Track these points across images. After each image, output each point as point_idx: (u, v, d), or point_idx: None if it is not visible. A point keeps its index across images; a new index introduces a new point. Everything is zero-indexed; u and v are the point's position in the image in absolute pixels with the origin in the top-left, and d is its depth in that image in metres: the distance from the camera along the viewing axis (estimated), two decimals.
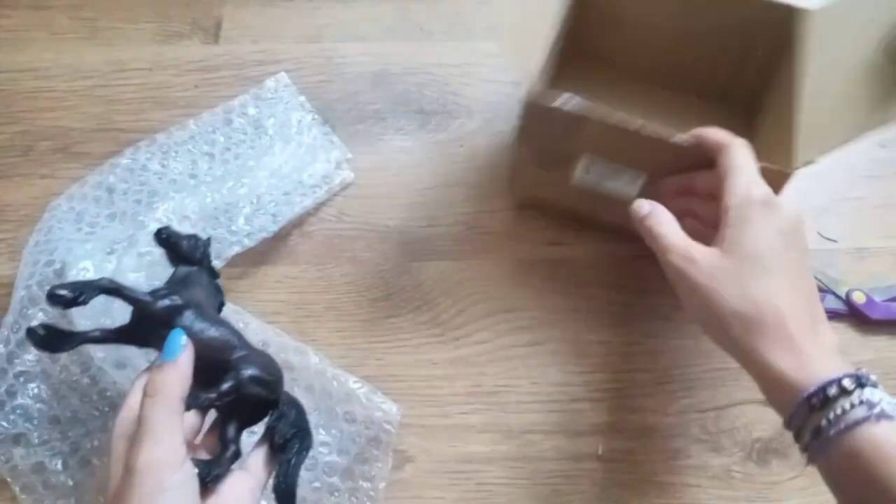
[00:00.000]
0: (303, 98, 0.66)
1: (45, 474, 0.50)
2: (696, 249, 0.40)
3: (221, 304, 0.46)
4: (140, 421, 0.34)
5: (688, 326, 0.58)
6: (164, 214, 0.55)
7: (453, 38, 0.72)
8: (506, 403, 0.55)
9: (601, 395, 0.55)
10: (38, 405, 0.51)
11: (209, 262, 0.45)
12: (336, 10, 0.73)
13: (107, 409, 0.51)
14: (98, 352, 0.49)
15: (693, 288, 0.40)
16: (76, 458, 0.50)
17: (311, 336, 0.56)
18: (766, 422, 0.54)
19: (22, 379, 0.51)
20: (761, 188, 0.41)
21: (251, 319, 0.55)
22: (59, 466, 0.50)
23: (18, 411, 0.50)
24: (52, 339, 0.38)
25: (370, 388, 0.53)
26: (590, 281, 0.59)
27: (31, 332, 0.38)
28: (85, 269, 0.51)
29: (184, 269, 0.43)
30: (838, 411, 0.34)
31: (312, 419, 0.50)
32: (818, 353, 0.37)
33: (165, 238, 0.44)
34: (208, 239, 0.46)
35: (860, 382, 0.34)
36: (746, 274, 0.38)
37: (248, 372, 0.39)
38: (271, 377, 0.41)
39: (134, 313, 0.39)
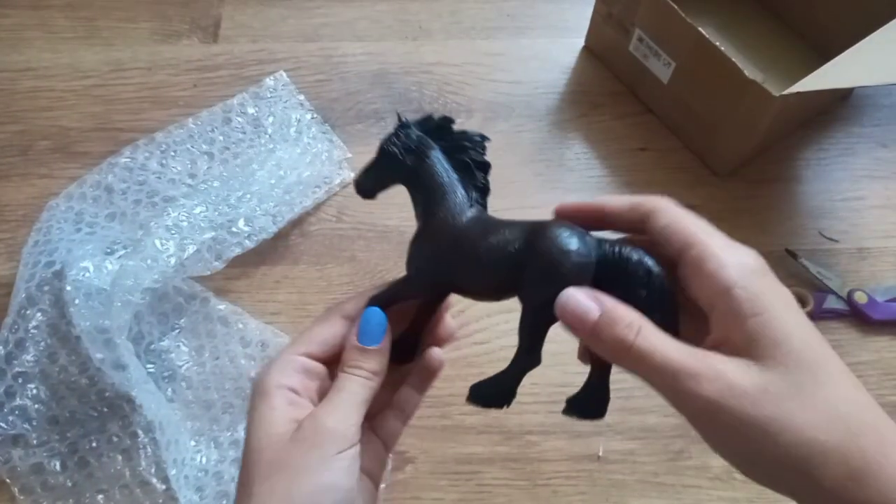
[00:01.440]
0: (302, 97, 0.66)
1: (44, 475, 0.50)
2: (721, 363, 0.26)
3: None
4: (335, 389, 0.33)
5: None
6: (175, 222, 0.54)
7: (452, 37, 0.72)
8: None
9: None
10: (36, 406, 0.50)
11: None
12: (335, 10, 0.73)
13: (105, 409, 0.51)
14: (97, 352, 0.49)
15: (744, 429, 0.25)
16: (75, 458, 0.50)
17: None
18: None
19: (21, 380, 0.51)
20: (749, 254, 0.28)
21: (249, 320, 0.55)
22: (58, 467, 0.50)
23: (17, 412, 0.50)
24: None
25: None
26: None
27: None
28: (85, 269, 0.51)
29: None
30: None
31: None
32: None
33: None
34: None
35: None
36: (817, 385, 0.26)
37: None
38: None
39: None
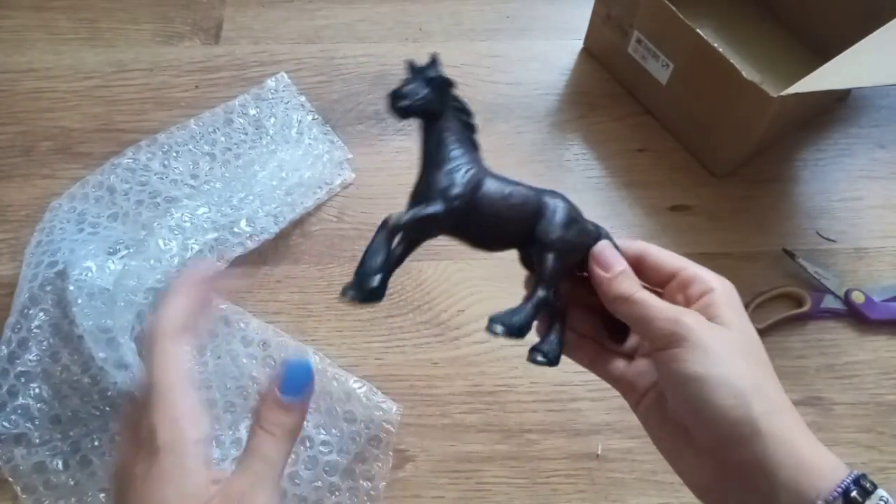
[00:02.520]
0: (303, 98, 0.67)
1: (46, 474, 0.50)
2: (698, 315, 0.33)
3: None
4: (253, 454, 0.30)
5: None
6: (178, 223, 0.55)
7: (452, 38, 0.72)
8: (505, 403, 0.55)
9: (600, 395, 0.55)
10: (39, 405, 0.51)
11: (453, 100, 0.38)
12: (336, 12, 0.73)
13: (108, 408, 0.51)
14: (99, 352, 0.49)
15: (707, 353, 0.31)
16: (77, 457, 0.51)
17: (312, 335, 0.57)
18: None
19: (23, 379, 0.51)
20: (721, 278, 0.37)
21: (251, 319, 0.55)
22: (60, 466, 0.50)
23: (19, 411, 0.50)
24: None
25: (370, 387, 0.53)
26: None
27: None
28: (88, 269, 0.51)
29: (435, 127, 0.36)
30: None
31: (312, 419, 0.50)
32: (820, 444, 0.32)
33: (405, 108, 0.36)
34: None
35: (869, 481, 0.31)
36: (755, 355, 0.33)
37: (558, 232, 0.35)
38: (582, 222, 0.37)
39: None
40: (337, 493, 0.50)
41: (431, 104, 0.35)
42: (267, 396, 0.31)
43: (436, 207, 0.33)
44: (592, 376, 0.56)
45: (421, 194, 0.35)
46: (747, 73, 0.54)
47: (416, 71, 0.35)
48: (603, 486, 0.52)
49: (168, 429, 0.29)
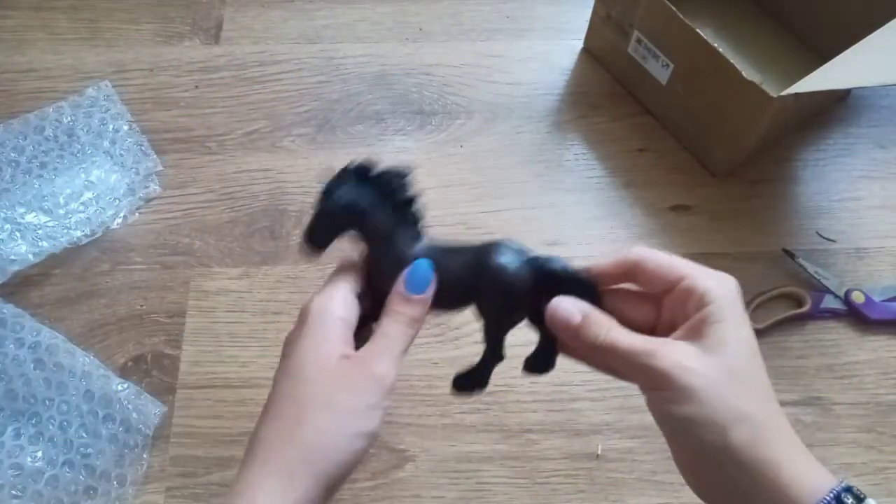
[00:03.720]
0: (124, 108, 0.66)
1: None
2: (674, 347, 0.33)
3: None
4: (383, 334, 0.35)
5: None
6: None
7: (452, 38, 0.72)
8: (505, 403, 0.55)
9: (600, 395, 0.55)
10: None
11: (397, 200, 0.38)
12: (336, 12, 0.73)
13: None
14: None
15: (686, 395, 0.32)
16: None
17: None
18: None
19: None
20: (727, 281, 0.35)
21: (27, 321, 0.54)
22: None
23: None
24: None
25: (137, 389, 0.53)
26: None
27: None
28: None
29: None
30: None
31: (76, 421, 0.52)
32: (809, 456, 0.33)
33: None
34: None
35: (857, 493, 0.31)
36: (743, 375, 0.33)
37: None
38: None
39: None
40: (92, 493, 0.50)
41: (345, 220, 0.37)
42: (394, 290, 0.36)
43: None
44: (593, 376, 0.56)
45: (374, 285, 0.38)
46: (747, 73, 0.54)
47: (320, 201, 0.37)
48: (603, 486, 0.52)
49: (319, 303, 0.35)
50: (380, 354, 0.35)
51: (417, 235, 0.38)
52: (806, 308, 0.58)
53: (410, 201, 0.38)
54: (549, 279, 0.36)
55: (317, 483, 0.32)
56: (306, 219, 0.37)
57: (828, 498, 0.30)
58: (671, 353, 0.32)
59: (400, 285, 0.36)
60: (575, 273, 0.37)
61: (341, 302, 0.36)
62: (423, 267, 0.36)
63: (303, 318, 0.36)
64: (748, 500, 0.32)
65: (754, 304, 0.58)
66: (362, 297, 0.37)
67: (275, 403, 0.34)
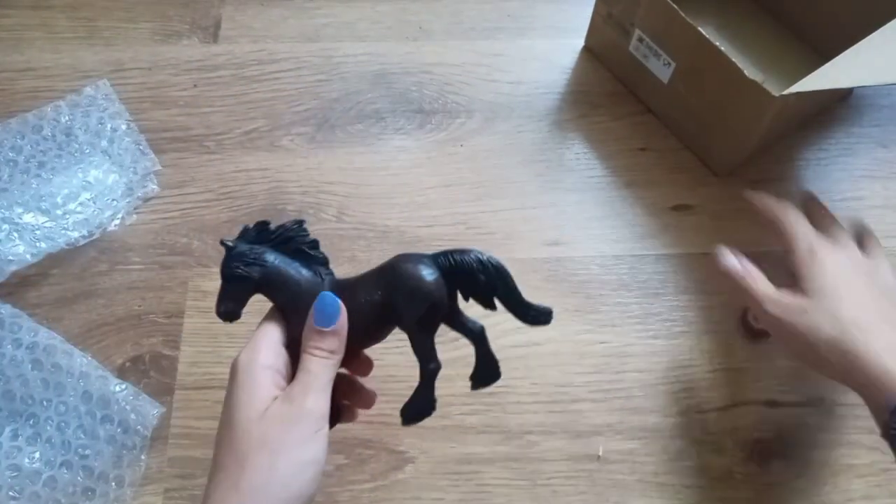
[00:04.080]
0: (122, 107, 0.65)
1: None
2: (786, 296, 0.47)
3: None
4: (304, 371, 0.37)
5: (688, 326, 0.57)
6: None
7: (453, 37, 0.72)
8: (506, 404, 0.54)
9: (602, 396, 0.55)
10: None
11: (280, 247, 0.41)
12: (335, 10, 0.73)
13: None
14: None
15: (791, 330, 0.45)
16: None
17: None
18: (767, 422, 0.54)
19: None
20: (817, 235, 0.50)
21: (25, 321, 0.54)
22: None
23: None
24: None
25: (135, 390, 0.53)
26: (589, 281, 0.59)
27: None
28: None
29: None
30: None
31: (74, 422, 0.52)
32: None
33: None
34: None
35: None
36: (827, 305, 0.45)
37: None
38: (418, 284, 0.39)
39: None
40: (90, 495, 0.50)
41: (249, 286, 0.39)
42: (307, 326, 0.38)
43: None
44: (594, 377, 0.56)
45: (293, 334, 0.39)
46: (749, 72, 0.54)
47: (223, 274, 0.39)
48: (604, 487, 0.52)
49: (246, 357, 0.37)
50: (305, 390, 0.36)
51: (323, 277, 0.40)
52: None
53: (313, 244, 0.40)
54: (458, 269, 0.39)
55: None
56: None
57: None
58: (781, 299, 0.47)
59: (310, 320, 0.38)
60: (480, 259, 0.39)
61: (267, 351, 0.37)
62: (328, 298, 0.38)
63: (232, 373, 0.37)
64: (861, 387, 0.43)
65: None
66: (289, 345, 0.39)
67: (216, 458, 0.36)
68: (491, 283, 0.39)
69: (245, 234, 0.40)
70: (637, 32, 0.63)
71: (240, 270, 0.38)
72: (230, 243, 0.39)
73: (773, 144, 0.65)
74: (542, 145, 0.66)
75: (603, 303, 0.58)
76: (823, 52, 0.66)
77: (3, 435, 0.51)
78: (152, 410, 0.52)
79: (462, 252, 0.39)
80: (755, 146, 0.62)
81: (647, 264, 0.60)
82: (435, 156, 0.65)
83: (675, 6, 0.57)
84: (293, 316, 0.39)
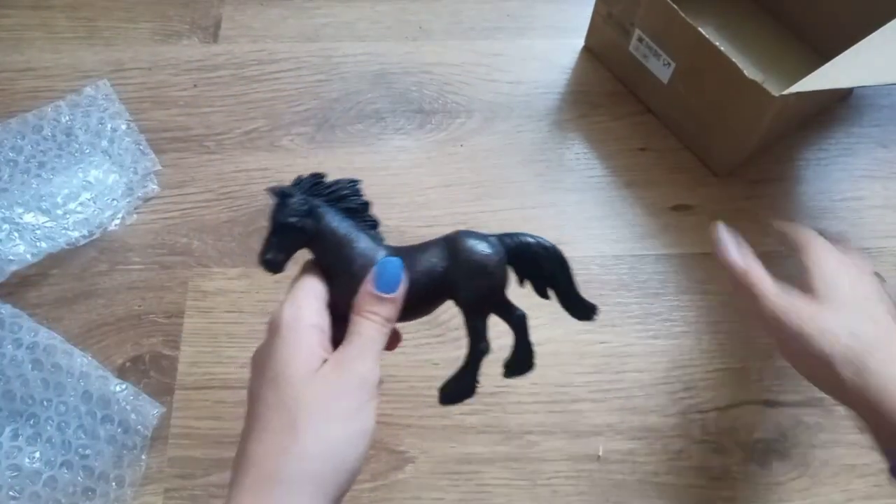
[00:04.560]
0: (122, 107, 0.65)
1: None
2: (795, 295, 0.43)
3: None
4: (357, 334, 0.35)
5: (688, 326, 0.57)
6: None
7: (452, 37, 0.72)
8: (506, 404, 0.54)
9: (601, 396, 0.55)
10: None
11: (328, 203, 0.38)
12: (335, 10, 0.73)
13: None
14: None
15: (797, 333, 0.41)
16: None
17: None
18: (768, 422, 0.54)
19: None
20: (838, 251, 0.47)
21: (25, 321, 0.54)
22: None
23: None
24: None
25: (135, 390, 0.53)
26: (589, 281, 0.59)
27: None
28: None
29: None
30: None
31: (74, 422, 0.51)
32: None
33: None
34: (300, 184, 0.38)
35: None
36: (845, 316, 0.41)
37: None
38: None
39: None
40: (90, 495, 0.50)
41: (300, 235, 0.36)
42: (364, 290, 0.36)
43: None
44: (594, 377, 0.56)
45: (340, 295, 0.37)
46: (749, 72, 0.54)
47: (273, 220, 0.36)
48: (604, 487, 0.52)
49: (290, 313, 0.34)
50: (360, 354, 0.34)
51: (377, 238, 0.38)
52: None
53: (365, 206, 0.38)
54: (522, 252, 0.38)
55: (324, 495, 0.31)
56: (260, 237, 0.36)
57: None
58: (786, 299, 0.43)
59: (369, 285, 0.36)
60: (545, 245, 0.39)
61: (312, 309, 0.35)
62: (393, 264, 0.36)
63: (274, 329, 0.34)
64: (866, 417, 0.40)
65: None
66: (331, 306, 0.36)
67: (261, 417, 0.33)
68: (553, 271, 0.39)
69: (300, 184, 0.37)
70: (637, 32, 0.63)
71: (294, 221, 0.35)
72: (287, 190, 0.36)
73: (773, 144, 0.65)
74: (542, 145, 0.66)
75: (603, 303, 0.58)
76: (823, 52, 0.66)
77: (4, 435, 0.51)
78: (152, 410, 0.52)
79: (525, 235, 0.39)
80: (755, 146, 0.62)
81: (647, 264, 0.60)
82: (435, 156, 0.65)
83: (675, 6, 0.57)
84: (342, 277, 0.36)
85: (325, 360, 0.34)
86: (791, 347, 0.42)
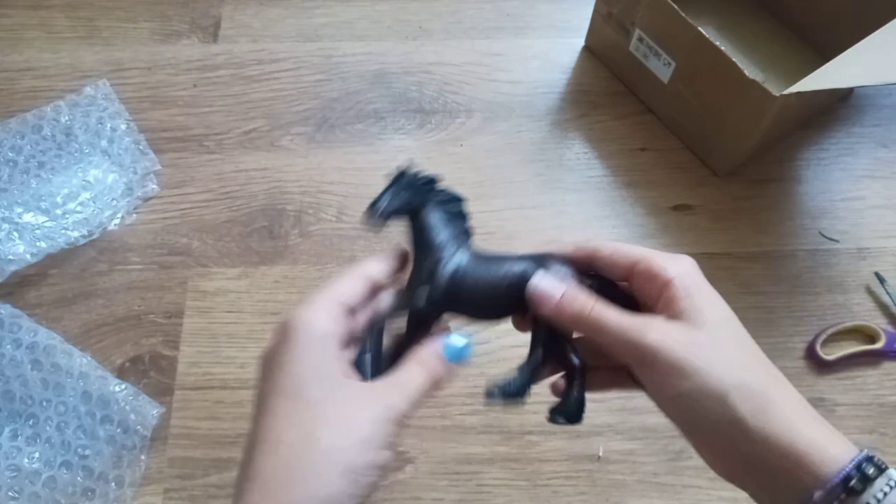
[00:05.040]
0: (121, 106, 0.65)
1: None
2: (661, 323, 0.32)
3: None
4: (409, 379, 0.33)
5: None
6: None
7: (452, 36, 0.72)
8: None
9: (601, 396, 0.54)
10: None
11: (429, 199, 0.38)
12: (335, 10, 0.73)
13: None
14: None
15: (677, 369, 0.31)
16: None
17: None
18: None
19: None
20: (684, 258, 0.36)
21: (24, 322, 0.54)
22: None
23: None
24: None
25: (134, 390, 0.53)
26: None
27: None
28: None
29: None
30: (879, 494, 0.29)
31: (74, 422, 0.51)
32: (823, 422, 0.31)
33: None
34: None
35: (878, 462, 0.30)
36: (731, 343, 0.33)
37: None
38: None
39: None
40: (90, 495, 0.50)
41: (408, 205, 0.37)
42: (434, 349, 0.34)
43: (418, 303, 0.36)
44: None
45: (411, 283, 0.37)
46: (749, 71, 0.54)
47: (394, 179, 0.37)
48: (604, 487, 0.52)
49: (306, 316, 0.32)
50: (399, 392, 0.32)
51: (463, 239, 0.38)
52: (879, 345, 0.56)
53: (466, 216, 0.38)
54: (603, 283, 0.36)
55: None
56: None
57: (848, 468, 0.29)
58: (659, 327, 0.32)
59: (440, 347, 0.34)
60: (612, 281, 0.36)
61: (329, 316, 0.33)
62: (467, 346, 0.35)
63: (286, 332, 0.32)
64: (767, 471, 0.31)
65: (822, 336, 0.56)
66: (357, 309, 0.35)
67: (272, 428, 0.30)
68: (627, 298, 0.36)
69: (417, 174, 0.37)
70: (637, 32, 0.63)
71: (410, 180, 0.36)
72: (406, 168, 0.37)
73: (773, 144, 0.65)
74: (542, 145, 0.66)
75: None
76: (823, 52, 0.66)
77: (3, 435, 0.51)
78: (152, 410, 0.52)
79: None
80: (755, 146, 0.62)
81: None
82: (435, 155, 0.65)
83: (675, 6, 0.57)
84: (415, 262, 0.37)
85: (344, 375, 0.32)
86: (668, 385, 0.32)
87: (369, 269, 0.36)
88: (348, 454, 0.29)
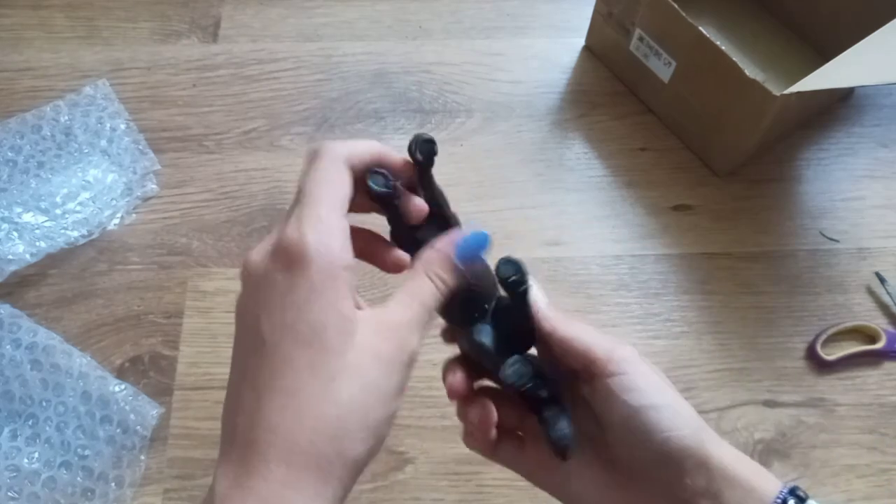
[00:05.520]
0: (121, 106, 0.65)
1: None
2: (625, 348, 0.33)
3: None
4: (419, 302, 0.30)
5: (688, 326, 0.57)
6: None
7: (452, 36, 0.72)
8: None
9: None
10: None
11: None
12: (335, 10, 0.73)
13: None
14: None
15: (641, 385, 0.32)
16: None
17: None
18: (768, 423, 0.54)
19: None
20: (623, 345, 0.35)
21: (24, 321, 0.54)
22: None
23: None
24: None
25: (134, 390, 0.53)
26: (589, 281, 0.59)
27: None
28: None
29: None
30: None
31: (73, 422, 0.51)
32: (752, 461, 0.33)
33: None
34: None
35: (801, 494, 0.32)
36: (653, 377, 0.33)
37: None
38: None
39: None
40: (90, 496, 0.50)
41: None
42: (441, 250, 0.32)
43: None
44: None
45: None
46: (750, 71, 0.54)
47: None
48: None
49: (319, 243, 0.27)
50: (414, 326, 0.30)
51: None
52: (880, 345, 0.56)
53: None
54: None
55: (350, 475, 0.27)
56: None
57: (784, 493, 0.32)
58: (626, 348, 0.33)
59: (448, 246, 0.32)
60: None
61: (345, 243, 0.28)
62: (482, 239, 0.33)
63: (296, 261, 0.27)
64: (711, 501, 0.32)
65: (823, 337, 0.56)
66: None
67: (284, 377, 0.26)
68: None
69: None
70: (637, 32, 0.63)
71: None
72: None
73: (773, 144, 0.65)
74: (542, 145, 0.66)
75: (603, 303, 0.58)
76: (823, 52, 0.66)
77: (3, 435, 0.51)
78: (151, 411, 0.52)
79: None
80: (756, 146, 0.62)
81: (648, 264, 0.60)
82: None
83: (675, 6, 0.57)
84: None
85: (359, 311, 0.28)
86: (627, 398, 0.32)
87: (350, 157, 0.34)
88: (372, 409, 0.28)
